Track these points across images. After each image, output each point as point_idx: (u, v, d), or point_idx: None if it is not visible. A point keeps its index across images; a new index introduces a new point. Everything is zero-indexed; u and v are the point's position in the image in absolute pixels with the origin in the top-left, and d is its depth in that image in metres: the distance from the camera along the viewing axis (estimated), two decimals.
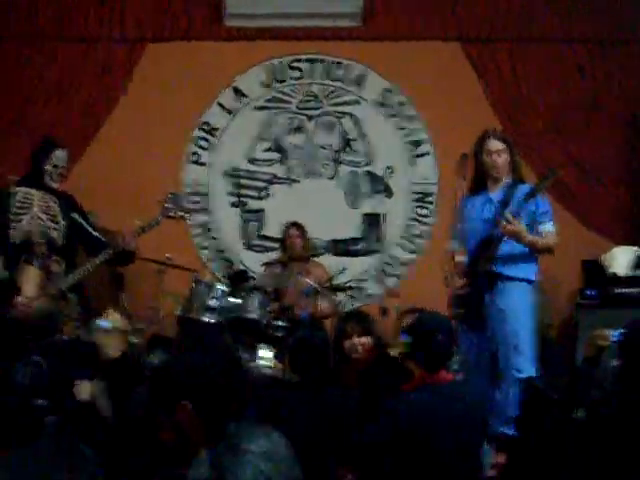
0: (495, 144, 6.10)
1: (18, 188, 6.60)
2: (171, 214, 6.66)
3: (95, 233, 6.65)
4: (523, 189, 5.98)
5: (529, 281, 6.02)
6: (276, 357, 6.74)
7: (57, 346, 4.94)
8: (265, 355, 6.74)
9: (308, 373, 4.69)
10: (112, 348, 4.70)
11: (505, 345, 5.85)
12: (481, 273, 5.94)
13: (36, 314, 5.54)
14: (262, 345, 6.81)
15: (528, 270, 6.02)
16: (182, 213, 6.76)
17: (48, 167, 6.62)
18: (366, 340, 5.65)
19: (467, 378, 5.09)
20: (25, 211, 6.48)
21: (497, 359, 5.88)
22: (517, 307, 5.91)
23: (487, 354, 5.97)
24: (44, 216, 6.49)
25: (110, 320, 4.84)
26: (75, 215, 6.62)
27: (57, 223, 6.53)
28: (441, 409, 4.09)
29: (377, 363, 5.55)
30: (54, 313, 5.59)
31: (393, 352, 6.31)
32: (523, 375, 5.73)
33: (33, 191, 6.58)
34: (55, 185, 6.66)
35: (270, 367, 6.63)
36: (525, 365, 5.80)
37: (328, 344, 5.08)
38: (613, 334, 4.76)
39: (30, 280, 6.10)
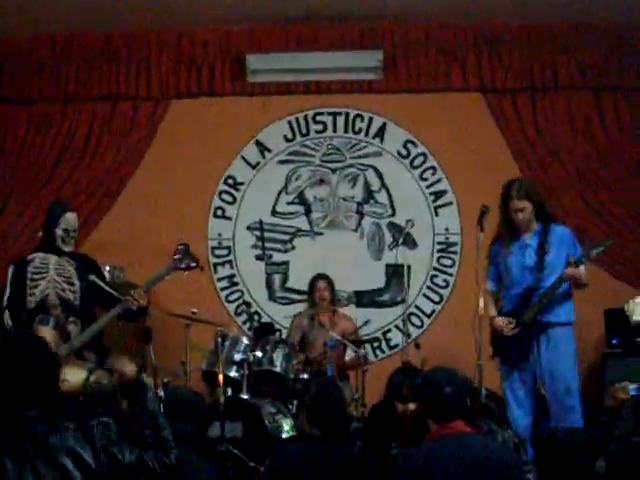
0: (517, 204, 6.31)
1: (35, 254, 6.64)
2: (181, 266, 6.65)
3: (110, 291, 6.68)
4: (556, 231, 6.35)
5: (570, 323, 6.34)
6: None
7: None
8: None
9: (326, 427, 4.71)
10: None
11: (555, 388, 6.15)
12: (528, 321, 6.21)
13: (89, 389, 5.52)
14: None
15: (569, 312, 6.35)
16: (192, 264, 6.72)
17: (58, 231, 6.65)
18: (415, 407, 5.59)
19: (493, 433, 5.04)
20: (41, 276, 6.52)
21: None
22: (564, 352, 6.23)
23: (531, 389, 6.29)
24: (60, 279, 6.51)
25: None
26: (92, 276, 6.65)
27: (73, 285, 6.55)
28: (454, 457, 4.08)
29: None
30: (107, 388, 5.59)
31: None
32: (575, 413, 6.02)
33: (49, 256, 6.62)
34: (67, 249, 6.69)
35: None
36: (575, 403, 6.12)
37: (343, 398, 5.07)
38: (632, 388, 4.78)
39: None
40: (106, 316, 6.48)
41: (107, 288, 6.67)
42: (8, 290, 6.58)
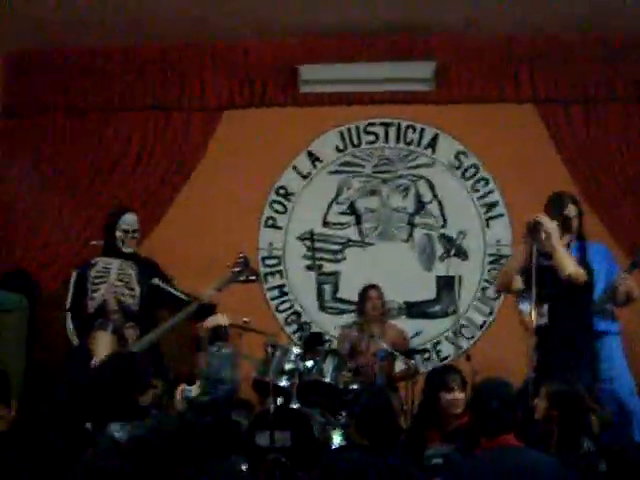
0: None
1: (99, 258, 6.75)
2: (241, 278, 6.70)
3: (179, 294, 6.76)
4: (594, 246, 6.38)
5: (618, 333, 6.57)
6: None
7: None
8: None
9: (376, 437, 4.70)
10: None
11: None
12: None
13: None
14: None
15: (616, 322, 6.56)
16: (252, 277, 6.77)
17: (118, 232, 6.75)
18: (464, 396, 5.51)
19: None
20: (102, 280, 6.61)
21: None
22: (619, 360, 6.49)
23: None
24: (120, 283, 6.60)
25: None
26: (156, 280, 6.73)
27: (132, 290, 6.63)
28: (498, 472, 4.05)
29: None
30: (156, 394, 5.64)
31: None
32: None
33: (112, 260, 6.70)
34: (129, 250, 6.77)
35: None
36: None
37: (393, 409, 5.05)
38: None
39: (102, 345, 6.17)
40: (176, 317, 6.55)
41: (173, 291, 6.75)
42: (71, 294, 6.69)
